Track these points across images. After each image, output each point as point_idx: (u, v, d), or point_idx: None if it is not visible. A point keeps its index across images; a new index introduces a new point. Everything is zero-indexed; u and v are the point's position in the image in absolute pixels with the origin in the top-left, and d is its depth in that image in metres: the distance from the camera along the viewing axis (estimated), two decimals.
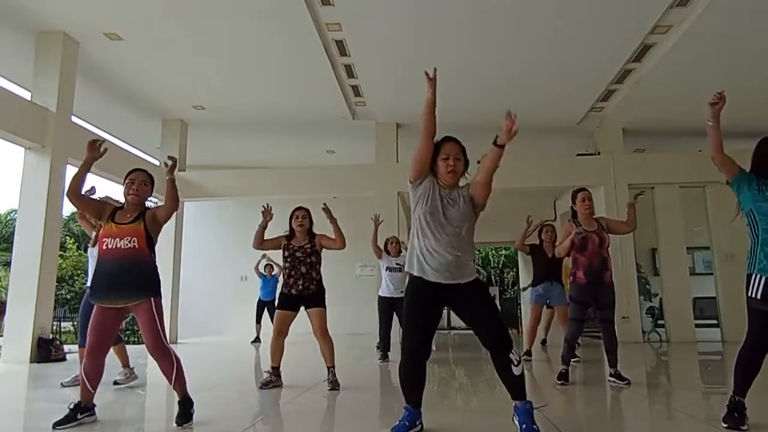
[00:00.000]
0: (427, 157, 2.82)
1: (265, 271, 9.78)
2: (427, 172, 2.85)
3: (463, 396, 4.53)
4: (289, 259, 4.39)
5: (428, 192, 2.80)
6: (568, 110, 9.44)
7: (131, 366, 4.54)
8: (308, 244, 4.40)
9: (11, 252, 7.18)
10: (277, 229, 4.61)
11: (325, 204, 4.53)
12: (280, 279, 4.54)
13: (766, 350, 2.79)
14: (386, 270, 6.47)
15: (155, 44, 7.29)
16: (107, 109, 9.33)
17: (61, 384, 4.55)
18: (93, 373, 3.04)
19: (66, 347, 7.16)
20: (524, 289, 6.67)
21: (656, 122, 9.87)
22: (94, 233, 4.61)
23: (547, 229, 6.58)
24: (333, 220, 4.47)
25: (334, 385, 4.27)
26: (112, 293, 3.03)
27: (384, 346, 6.48)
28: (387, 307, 6.42)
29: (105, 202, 3.30)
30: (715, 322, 9.35)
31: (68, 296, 17.48)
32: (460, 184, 2.91)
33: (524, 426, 2.59)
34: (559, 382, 4.35)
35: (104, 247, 3.08)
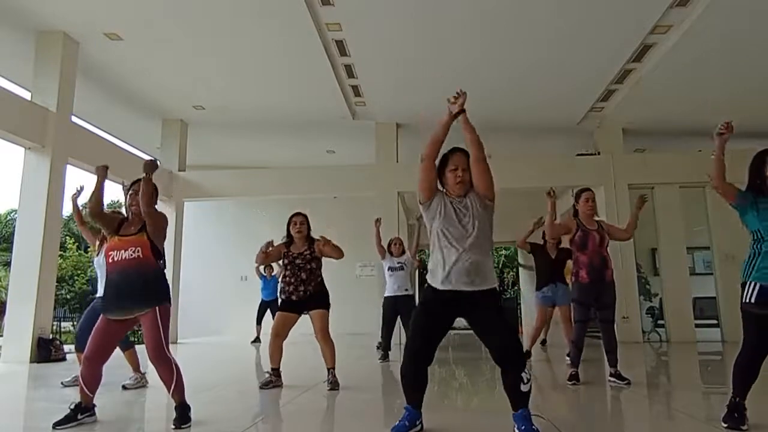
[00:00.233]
0: (434, 178, 2.85)
1: (264, 272, 9.79)
2: (436, 190, 2.86)
3: (463, 396, 4.53)
4: (289, 267, 4.35)
5: (440, 206, 2.82)
6: (568, 110, 9.44)
7: (142, 371, 4.49)
8: (307, 251, 4.36)
9: (11, 252, 7.18)
10: (278, 229, 4.60)
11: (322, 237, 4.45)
12: (281, 278, 4.51)
13: (763, 356, 2.80)
14: (388, 270, 6.49)
15: (155, 44, 7.29)
16: (107, 109, 9.33)
17: (62, 383, 4.55)
18: (90, 380, 3.04)
19: (66, 347, 7.16)
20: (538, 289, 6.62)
21: (656, 122, 9.87)
22: (97, 242, 4.62)
23: (552, 220, 6.55)
24: (327, 242, 4.38)
25: (334, 385, 4.26)
26: (120, 306, 3.04)
27: (385, 345, 6.49)
28: (392, 306, 6.44)
29: (114, 216, 3.31)
30: (715, 322, 9.35)
31: (68, 296, 17.46)
32: None
33: (523, 427, 2.59)
34: (570, 383, 4.36)
35: (110, 261, 3.09)
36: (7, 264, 13.71)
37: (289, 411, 3.68)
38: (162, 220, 3.21)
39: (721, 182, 2.93)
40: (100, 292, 4.31)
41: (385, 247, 6.56)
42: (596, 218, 4.57)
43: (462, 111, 2.79)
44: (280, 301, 4.52)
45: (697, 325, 9.22)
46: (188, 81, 8.52)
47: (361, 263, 12.01)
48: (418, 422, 2.78)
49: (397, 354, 6.82)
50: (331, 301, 4.44)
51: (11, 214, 22.85)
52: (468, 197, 2.82)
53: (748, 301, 2.81)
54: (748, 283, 2.83)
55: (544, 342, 7.94)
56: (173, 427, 2.94)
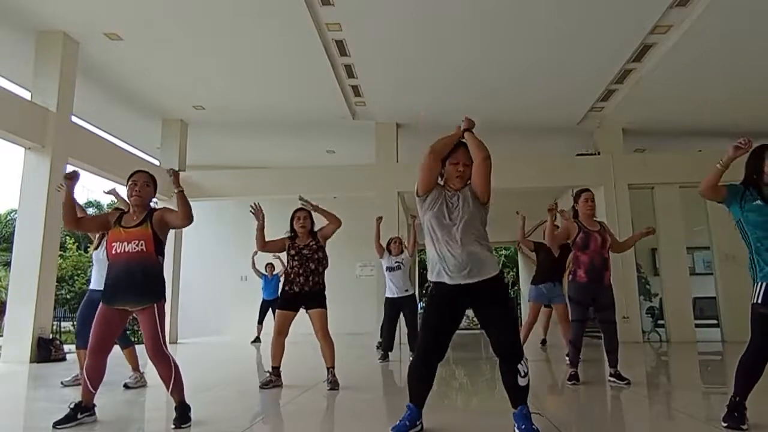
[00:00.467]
0: (436, 176, 2.87)
1: (266, 270, 9.78)
2: (435, 184, 2.88)
3: (463, 396, 4.53)
4: (296, 257, 4.38)
5: (434, 200, 2.84)
6: (568, 110, 9.44)
7: (141, 371, 4.50)
8: (313, 242, 4.41)
9: (11, 252, 7.18)
10: (278, 229, 4.61)
11: (300, 196, 4.51)
12: (288, 269, 4.50)
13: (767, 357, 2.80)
14: (387, 270, 6.48)
15: (155, 44, 7.29)
16: (107, 109, 9.33)
17: (62, 383, 4.55)
18: (94, 374, 3.04)
19: (66, 347, 7.16)
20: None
21: (656, 122, 9.87)
22: (97, 236, 4.61)
23: (552, 229, 6.57)
24: (315, 208, 4.46)
25: (334, 385, 4.27)
26: (121, 297, 3.04)
27: (386, 346, 6.49)
28: (394, 307, 6.44)
29: (105, 217, 3.29)
30: (715, 322, 9.36)
31: (68, 296, 17.46)
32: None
33: (523, 426, 2.60)
34: (570, 383, 4.37)
35: (113, 252, 3.09)
36: (7, 264, 13.71)
37: (289, 411, 3.68)
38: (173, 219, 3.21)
39: (709, 192, 2.95)
40: (94, 285, 4.31)
41: (384, 245, 6.56)
42: (596, 219, 4.57)
43: (469, 129, 2.84)
44: (280, 295, 4.53)
45: (697, 325, 9.22)
46: (188, 81, 8.52)
47: (361, 263, 12.02)
48: (418, 422, 2.78)
49: (397, 354, 6.82)
50: (328, 302, 4.45)
51: (11, 214, 22.84)
52: (463, 191, 2.84)
53: (755, 301, 2.82)
54: (756, 283, 2.84)
55: (544, 342, 7.94)
56: (173, 427, 2.95)
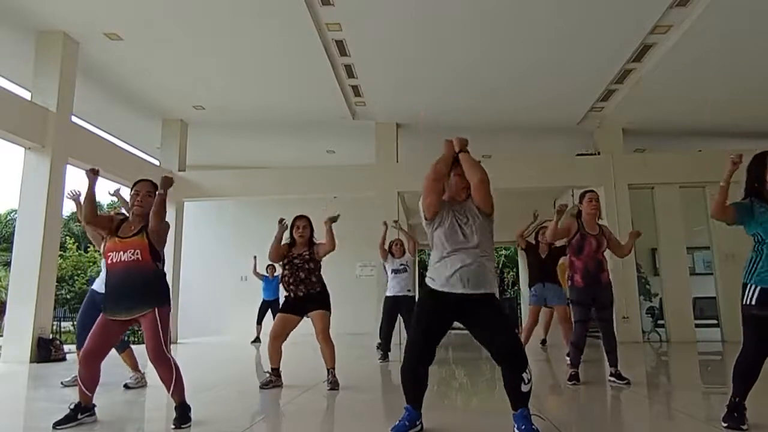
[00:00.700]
0: (441, 196, 2.86)
1: (267, 271, 9.79)
2: (441, 205, 2.87)
3: (463, 396, 4.53)
4: (287, 267, 4.39)
5: (442, 217, 2.84)
6: (568, 110, 9.44)
7: (141, 371, 4.50)
8: (307, 252, 4.40)
9: (11, 252, 7.18)
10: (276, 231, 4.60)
11: (329, 221, 4.47)
12: (281, 279, 4.52)
13: (763, 357, 2.80)
14: (392, 272, 6.51)
15: (155, 44, 7.29)
16: (107, 109, 9.33)
17: (62, 383, 4.55)
18: (89, 379, 3.04)
19: (66, 347, 7.16)
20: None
21: (656, 122, 9.87)
22: (103, 244, 4.61)
23: (543, 231, 6.59)
24: (329, 231, 4.42)
25: (334, 385, 4.27)
26: (119, 307, 3.05)
27: (385, 346, 6.50)
28: (393, 306, 6.46)
29: (112, 217, 3.29)
30: (715, 322, 9.35)
31: (68, 296, 17.48)
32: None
33: (523, 427, 2.60)
34: (570, 383, 4.37)
35: (110, 262, 3.10)
36: (7, 264, 13.72)
37: (289, 411, 3.68)
38: (166, 232, 3.20)
39: (719, 213, 2.94)
40: (97, 286, 4.31)
41: (387, 248, 6.59)
42: (599, 222, 4.57)
43: (462, 150, 2.83)
44: (282, 301, 4.53)
45: (697, 325, 9.22)
46: (188, 81, 8.52)
47: (361, 263, 12.02)
48: (418, 422, 2.78)
49: (397, 354, 6.82)
50: (331, 304, 4.44)
51: (11, 214, 22.85)
52: (468, 204, 2.85)
53: (748, 303, 2.81)
54: (749, 285, 2.83)
55: (544, 342, 7.94)
56: (173, 427, 2.95)
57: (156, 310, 3.05)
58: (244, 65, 7.97)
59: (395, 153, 10.03)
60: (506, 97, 8.87)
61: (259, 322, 9.69)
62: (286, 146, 11.60)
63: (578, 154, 10.16)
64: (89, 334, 3.05)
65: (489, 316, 2.73)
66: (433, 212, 2.83)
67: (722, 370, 5.96)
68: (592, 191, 4.61)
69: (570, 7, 6.37)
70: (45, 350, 6.54)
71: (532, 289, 6.54)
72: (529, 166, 9.88)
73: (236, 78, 8.40)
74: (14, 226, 9.53)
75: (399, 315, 6.52)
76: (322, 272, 4.47)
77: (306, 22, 6.55)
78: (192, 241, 11.10)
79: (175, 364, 3.06)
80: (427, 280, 2.85)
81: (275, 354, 4.43)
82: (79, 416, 3.00)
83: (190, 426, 2.98)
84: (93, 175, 3.17)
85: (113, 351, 3.71)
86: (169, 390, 3.03)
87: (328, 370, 4.36)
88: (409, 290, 6.43)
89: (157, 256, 3.14)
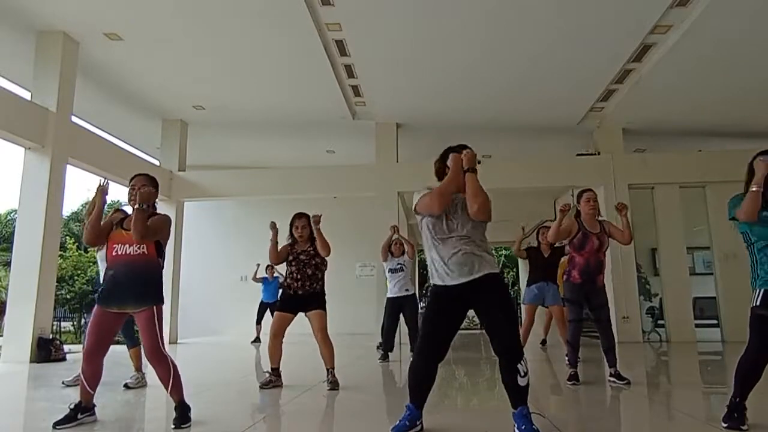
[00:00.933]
0: (442, 208, 2.81)
1: (266, 272, 9.79)
2: None
3: (463, 396, 4.53)
4: (294, 263, 4.39)
5: None
6: (568, 110, 9.44)
7: (143, 371, 4.50)
8: (311, 248, 4.42)
9: (11, 252, 7.18)
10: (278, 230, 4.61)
11: (316, 218, 4.43)
12: (286, 275, 4.50)
13: (766, 359, 2.81)
14: (389, 272, 6.53)
15: (155, 44, 7.29)
16: (107, 109, 9.33)
17: (63, 383, 4.55)
18: (91, 376, 3.05)
19: (66, 347, 7.16)
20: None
21: (656, 122, 9.87)
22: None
23: (543, 231, 6.60)
24: (317, 232, 4.40)
25: (334, 385, 4.28)
26: (118, 299, 3.05)
27: (386, 346, 6.50)
28: (395, 307, 6.47)
29: (109, 223, 3.29)
30: (715, 322, 9.35)
31: (68, 296, 17.43)
32: None
33: (523, 427, 2.60)
34: (570, 383, 4.37)
35: (114, 253, 3.10)
36: (7, 264, 13.70)
37: (289, 411, 3.68)
38: (164, 226, 3.18)
39: (755, 215, 2.79)
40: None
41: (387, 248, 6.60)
42: (599, 218, 4.56)
43: (470, 170, 2.78)
44: (280, 297, 4.53)
45: (697, 325, 9.22)
46: (188, 81, 8.52)
47: (361, 263, 12.02)
48: (418, 422, 2.78)
49: (397, 354, 6.82)
50: (327, 302, 4.45)
51: (11, 214, 22.84)
52: (461, 195, 2.82)
53: (754, 304, 2.84)
54: (756, 290, 2.86)
55: (543, 342, 7.95)
56: (173, 427, 2.95)
57: (154, 308, 3.05)
58: (244, 65, 7.97)
59: (395, 153, 10.03)
60: (506, 97, 8.87)
61: (259, 322, 9.70)
62: (286, 146, 11.60)
63: (578, 154, 10.16)
64: (87, 332, 3.06)
65: (493, 309, 2.71)
66: (429, 214, 2.82)
67: (722, 370, 5.96)
68: (589, 190, 4.60)
69: (570, 8, 6.38)
70: (45, 350, 6.55)
71: (532, 287, 6.51)
72: (530, 166, 9.88)
73: (236, 78, 8.40)
74: (14, 226, 9.53)
75: (402, 315, 6.52)
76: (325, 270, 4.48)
77: (306, 22, 6.55)
78: (192, 241, 11.10)
79: (173, 363, 3.07)
80: (430, 278, 2.86)
81: (276, 352, 4.43)
82: (79, 416, 3.00)
83: (190, 426, 2.98)
84: (102, 193, 3.22)
85: (116, 348, 3.71)
86: (167, 388, 3.03)
87: (327, 370, 4.37)
88: (407, 289, 6.45)
89: (161, 252, 3.16)
